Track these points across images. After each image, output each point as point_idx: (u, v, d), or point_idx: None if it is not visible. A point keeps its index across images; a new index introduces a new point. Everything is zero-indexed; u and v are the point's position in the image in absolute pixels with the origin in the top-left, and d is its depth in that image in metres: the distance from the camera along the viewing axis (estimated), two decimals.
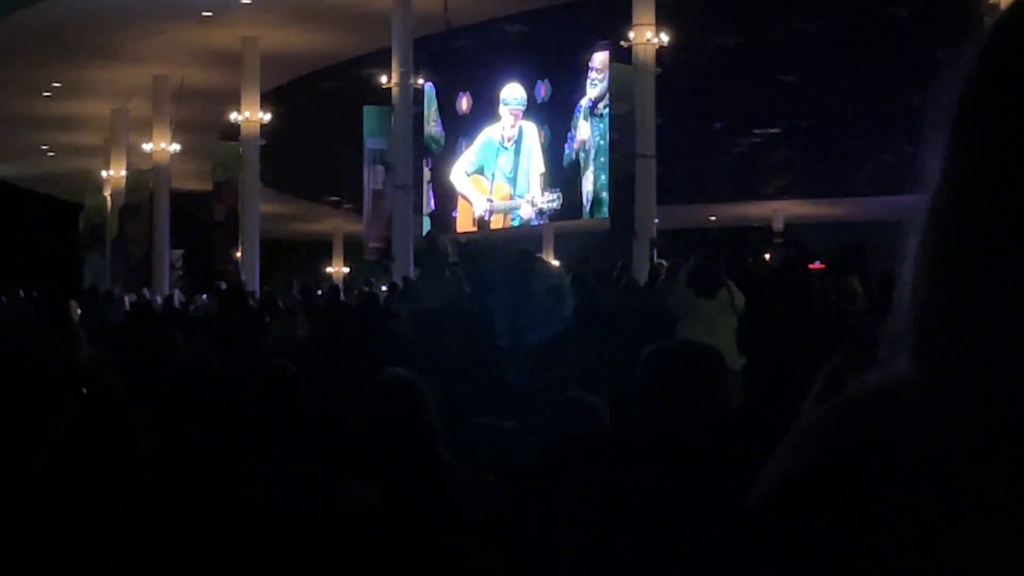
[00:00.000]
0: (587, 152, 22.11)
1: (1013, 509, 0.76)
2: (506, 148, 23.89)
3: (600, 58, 21.89)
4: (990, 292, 0.78)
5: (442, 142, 25.31)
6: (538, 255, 13.39)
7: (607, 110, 21.47)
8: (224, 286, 19.12)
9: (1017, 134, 0.79)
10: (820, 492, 0.83)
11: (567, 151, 22.66)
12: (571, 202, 22.51)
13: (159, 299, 22.10)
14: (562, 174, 22.78)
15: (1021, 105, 0.79)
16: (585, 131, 22.19)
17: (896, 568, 0.79)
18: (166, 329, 8.10)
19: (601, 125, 21.65)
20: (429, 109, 25.50)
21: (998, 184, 0.79)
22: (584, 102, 22.23)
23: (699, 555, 2.78)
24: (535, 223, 24.82)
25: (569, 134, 22.59)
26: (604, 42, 22.16)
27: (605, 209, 21.55)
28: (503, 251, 13.47)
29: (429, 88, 25.38)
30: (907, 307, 0.84)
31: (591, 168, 21.93)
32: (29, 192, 44.28)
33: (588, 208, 22.12)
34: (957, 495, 0.78)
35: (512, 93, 23.79)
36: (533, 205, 23.42)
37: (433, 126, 25.50)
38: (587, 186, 22.06)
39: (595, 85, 21.82)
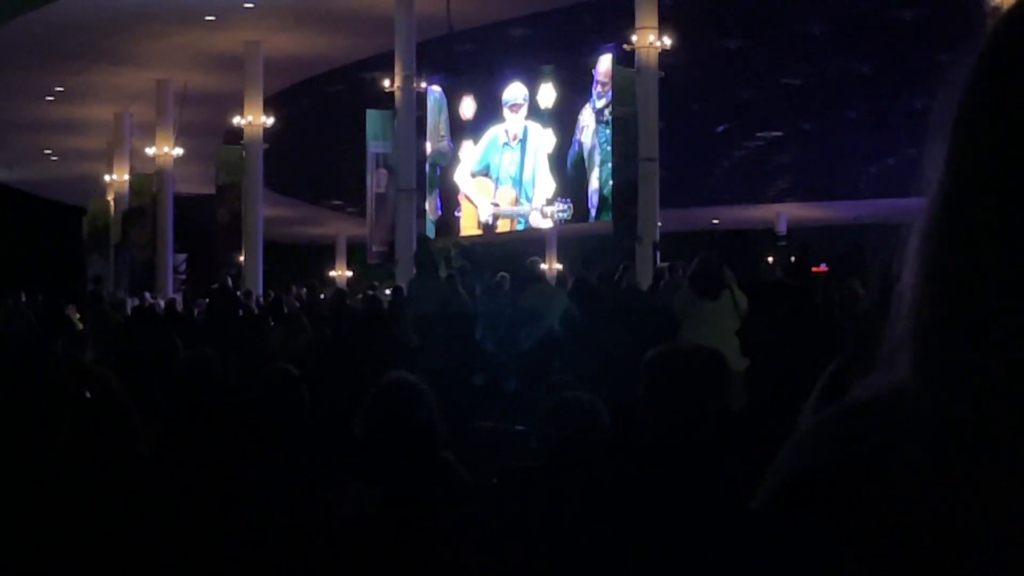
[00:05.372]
0: (592, 156, 22.03)
1: (1010, 514, 0.76)
2: (511, 147, 23.82)
3: (605, 63, 21.83)
4: (987, 299, 0.78)
5: (448, 155, 25.15)
6: (535, 258, 13.39)
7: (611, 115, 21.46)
8: (215, 287, 19.11)
9: (1014, 140, 0.79)
10: (821, 495, 0.83)
11: (571, 156, 22.58)
12: (578, 207, 22.43)
13: (162, 303, 22.12)
14: (569, 181, 22.67)
15: (1017, 111, 0.79)
16: (589, 136, 22.11)
17: (895, 571, 0.79)
18: (166, 334, 8.10)
19: (607, 131, 21.58)
20: (439, 117, 25.21)
21: (995, 190, 0.79)
22: (588, 107, 22.12)
23: (702, 557, 2.78)
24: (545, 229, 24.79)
25: (574, 139, 22.50)
26: (608, 46, 22.12)
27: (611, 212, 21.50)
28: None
29: (440, 95, 25.15)
30: (906, 313, 0.83)
31: (596, 172, 21.84)
32: (32, 196, 44.30)
33: (595, 212, 22.02)
34: (955, 500, 0.78)
35: (513, 92, 23.72)
36: (544, 216, 23.29)
37: (442, 140, 25.21)
38: (593, 192, 21.98)
39: (602, 97, 21.75)
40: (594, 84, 21.96)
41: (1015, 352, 0.77)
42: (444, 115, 25.06)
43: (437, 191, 25.22)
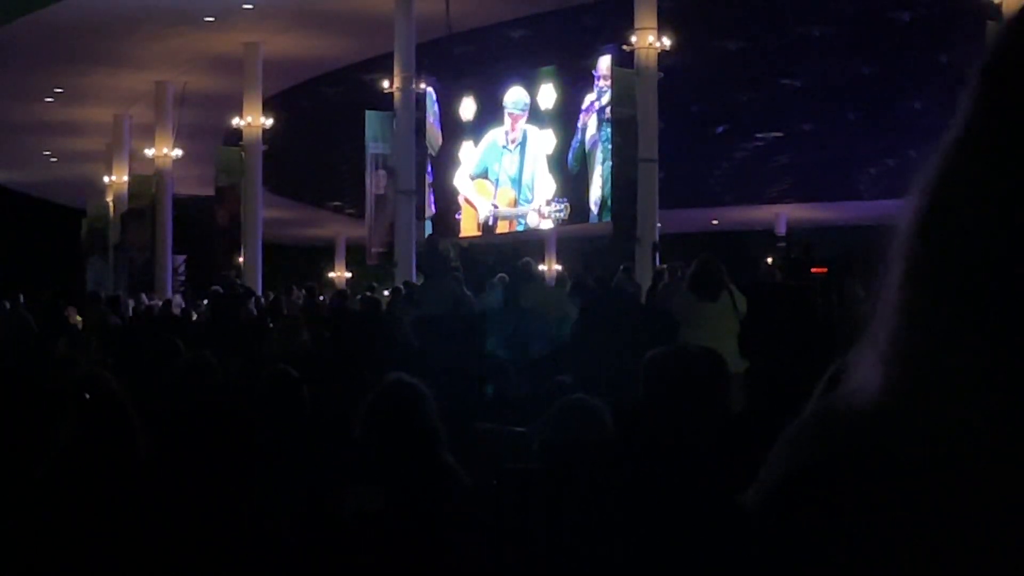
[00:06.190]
0: (593, 154, 21.99)
1: (1000, 513, 0.77)
2: (510, 150, 23.81)
3: (604, 63, 21.82)
4: (972, 299, 0.79)
5: (438, 144, 25.15)
6: (528, 259, 13.38)
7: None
8: (219, 290, 19.03)
9: (1013, 145, 0.79)
10: (811, 495, 0.84)
11: (570, 157, 22.54)
12: (578, 208, 22.38)
13: (159, 304, 22.10)
14: (569, 181, 22.63)
15: (1018, 117, 0.80)
16: (591, 132, 22.04)
17: (884, 569, 0.80)
18: (166, 336, 8.10)
19: (608, 129, 21.55)
20: (431, 119, 25.27)
21: (992, 191, 0.79)
22: (595, 104, 22.04)
23: (700, 556, 2.79)
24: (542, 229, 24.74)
25: (576, 138, 22.46)
26: (608, 47, 22.11)
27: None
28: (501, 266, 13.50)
29: (430, 92, 25.18)
30: (889, 309, 0.84)
31: (599, 172, 21.78)
32: (31, 198, 44.29)
33: (597, 213, 21.97)
34: (940, 498, 0.78)
35: (514, 98, 23.73)
36: (541, 215, 23.28)
37: (432, 129, 25.22)
38: (595, 191, 21.93)
39: (605, 92, 21.71)
40: (596, 79, 21.94)
41: (1000, 351, 0.77)
42: (435, 115, 25.08)
43: (431, 190, 25.21)
